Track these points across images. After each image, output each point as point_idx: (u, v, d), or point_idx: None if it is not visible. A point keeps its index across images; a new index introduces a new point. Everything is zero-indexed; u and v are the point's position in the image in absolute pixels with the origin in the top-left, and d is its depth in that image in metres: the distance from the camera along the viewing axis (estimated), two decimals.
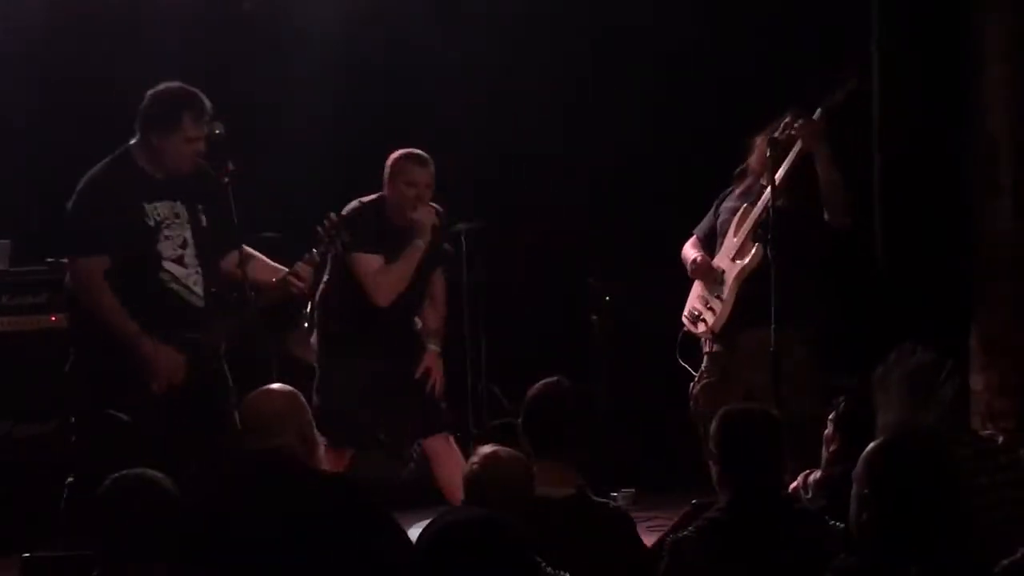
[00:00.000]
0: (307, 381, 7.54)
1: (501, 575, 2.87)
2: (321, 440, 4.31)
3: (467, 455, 7.56)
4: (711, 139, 6.61)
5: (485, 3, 7.90)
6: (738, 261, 6.17)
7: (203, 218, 5.55)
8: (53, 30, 7.48)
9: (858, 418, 4.48)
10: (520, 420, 4.50)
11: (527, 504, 3.87)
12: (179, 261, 5.48)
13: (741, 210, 6.19)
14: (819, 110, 6.02)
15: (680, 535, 4.02)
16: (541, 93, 7.91)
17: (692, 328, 6.34)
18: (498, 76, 7.92)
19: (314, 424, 4.23)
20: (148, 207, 5.43)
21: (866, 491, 3.31)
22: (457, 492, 5.85)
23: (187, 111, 5.44)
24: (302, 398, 4.26)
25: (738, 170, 6.31)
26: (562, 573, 3.68)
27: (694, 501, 4.81)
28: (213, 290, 5.59)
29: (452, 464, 6.22)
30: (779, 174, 5.97)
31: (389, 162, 6.17)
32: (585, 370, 6.93)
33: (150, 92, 5.52)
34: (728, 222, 6.27)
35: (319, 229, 5.82)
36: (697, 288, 6.36)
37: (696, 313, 6.33)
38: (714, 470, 4.11)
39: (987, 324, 6.65)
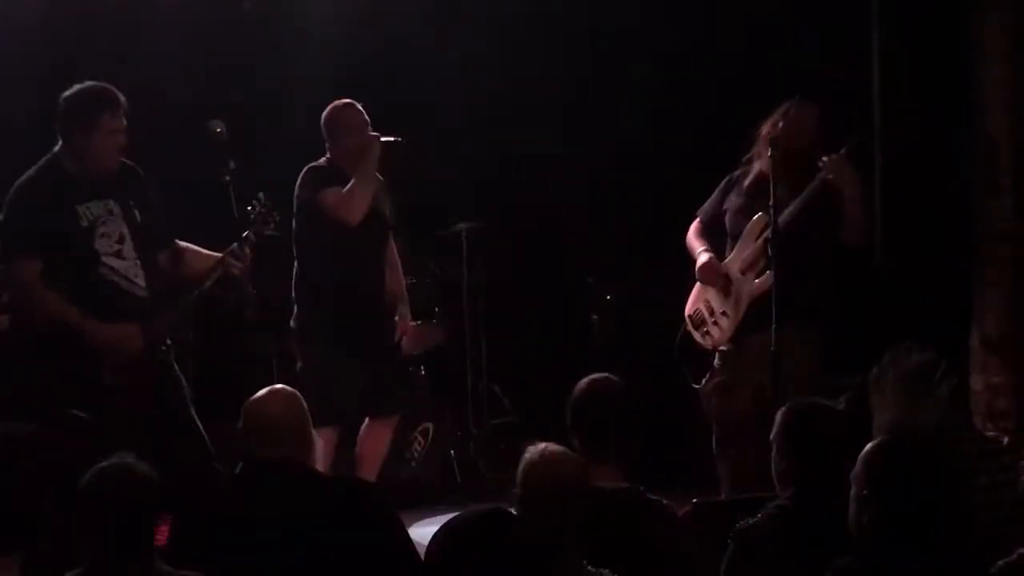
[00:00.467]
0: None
1: (510, 571, 2.88)
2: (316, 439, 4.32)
3: (467, 453, 7.65)
4: (711, 138, 6.61)
5: (485, 3, 7.90)
6: (749, 277, 6.10)
7: (137, 214, 5.56)
8: (53, 30, 7.47)
9: (858, 418, 4.48)
10: (568, 418, 4.44)
11: (583, 501, 3.76)
12: (118, 255, 5.48)
13: (756, 219, 6.10)
14: (844, 149, 5.97)
15: (748, 523, 4.01)
16: (541, 93, 7.92)
17: (695, 336, 6.30)
18: (498, 76, 7.93)
19: (311, 423, 4.22)
20: (80, 208, 5.44)
21: (865, 492, 3.31)
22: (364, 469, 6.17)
23: (102, 106, 5.46)
24: (302, 399, 4.26)
25: (745, 158, 6.25)
26: (604, 571, 3.67)
27: (695, 500, 4.82)
28: (155, 281, 5.59)
29: (377, 446, 6.33)
30: (792, 208, 5.94)
31: (322, 123, 6.33)
32: (585, 369, 6.90)
33: (63, 96, 5.54)
34: (739, 224, 6.19)
35: (249, 209, 5.83)
36: (703, 290, 6.30)
37: (700, 319, 6.29)
38: (778, 463, 4.11)
39: (987, 324, 6.64)
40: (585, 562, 3.64)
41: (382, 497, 4.28)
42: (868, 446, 3.40)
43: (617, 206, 7.95)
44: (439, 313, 7.68)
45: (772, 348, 5.76)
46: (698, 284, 6.32)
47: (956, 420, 4.38)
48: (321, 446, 5.89)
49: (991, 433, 5.41)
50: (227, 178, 5.69)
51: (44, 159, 5.53)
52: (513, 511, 3.07)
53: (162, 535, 3.87)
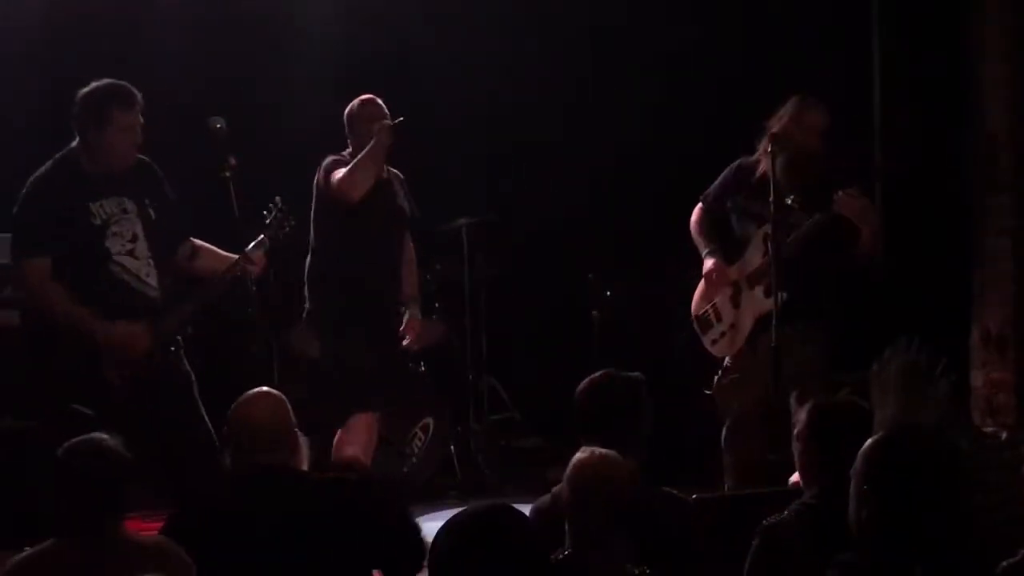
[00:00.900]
0: (306, 376, 7.58)
1: (512, 567, 2.88)
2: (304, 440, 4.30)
3: (467, 449, 7.65)
4: (711, 134, 6.62)
5: (485, 2, 7.91)
6: (758, 292, 6.03)
7: (151, 212, 5.56)
8: (53, 29, 7.48)
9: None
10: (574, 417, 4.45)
11: (632, 503, 3.76)
12: (130, 254, 5.49)
13: (768, 232, 5.97)
14: (862, 186, 5.92)
15: (774, 520, 4.00)
16: (541, 90, 7.92)
17: (704, 340, 6.26)
18: (499, 73, 7.93)
19: (295, 428, 4.21)
20: (93, 206, 5.44)
21: (865, 487, 3.31)
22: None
23: (115, 102, 5.46)
24: (286, 401, 4.24)
25: (755, 157, 6.20)
26: (645, 569, 3.67)
27: (695, 496, 4.81)
28: (168, 280, 5.60)
29: (361, 443, 6.29)
30: (799, 235, 5.90)
31: (345, 118, 6.35)
32: (585, 365, 6.91)
33: (79, 93, 5.54)
34: (746, 228, 6.12)
35: (265, 213, 5.86)
36: (711, 292, 6.24)
37: (707, 322, 6.25)
38: (803, 461, 4.12)
39: (987, 321, 6.65)
40: (629, 564, 3.64)
41: (382, 490, 4.27)
42: (868, 442, 3.40)
43: (617, 202, 7.95)
44: (439, 309, 7.68)
45: (772, 344, 5.76)
46: (704, 288, 6.29)
47: (955, 416, 4.38)
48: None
49: (989, 429, 5.42)
50: (227, 174, 5.70)
51: (60, 154, 5.54)
52: (515, 507, 3.07)
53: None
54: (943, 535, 3.25)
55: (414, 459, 7.35)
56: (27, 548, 3.78)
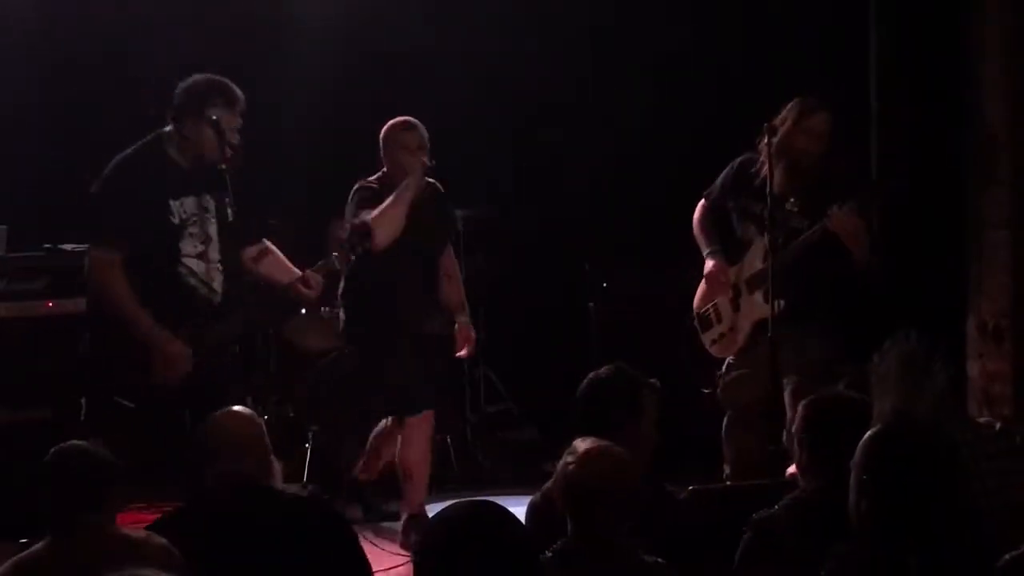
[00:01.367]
0: (303, 367, 7.58)
1: (501, 565, 2.88)
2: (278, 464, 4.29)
3: (463, 440, 7.65)
4: (709, 129, 6.61)
5: (484, 1, 7.90)
6: (757, 297, 6.04)
7: (229, 212, 5.53)
8: (52, 20, 7.46)
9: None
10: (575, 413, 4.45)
11: (632, 497, 3.69)
12: (200, 256, 5.47)
13: (761, 243, 6.01)
14: (860, 200, 5.85)
15: (765, 514, 4.00)
16: (540, 85, 7.91)
17: (704, 339, 6.26)
18: (498, 68, 7.92)
19: (270, 448, 4.22)
20: (174, 204, 5.41)
21: (864, 478, 3.31)
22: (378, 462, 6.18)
23: (216, 100, 5.44)
24: (260, 421, 4.25)
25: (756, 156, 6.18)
26: (658, 560, 3.66)
27: (691, 487, 4.82)
28: (231, 284, 5.60)
29: (424, 440, 6.21)
30: (794, 247, 5.89)
31: (381, 136, 6.24)
32: (582, 357, 6.92)
33: (182, 83, 5.50)
34: (746, 230, 6.12)
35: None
36: (712, 292, 6.25)
37: (708, 322, 6.25)
38: (798, 455, 4.12)
39: (984, 311, 6.65)
40: (641, 552, 3.63)
41: (331, 511, 4.30)
42: (867, 434, 3.40)
43: (615, 195, 7.95)
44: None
45: (769, 335, 5.76)
46: (706, 288, 6.28)
47: (953, 408, 4.39)
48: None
49: (983, 419, 5.42)
50: (223, 167, 5.68)
51: (149, 138, 5.49)
52: (499, 504, 3.07)
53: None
54: (941, 525, 3.26)
55: None
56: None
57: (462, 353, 6.42)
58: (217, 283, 5.52)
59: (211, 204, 5.51)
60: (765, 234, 5.95)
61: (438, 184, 6.31)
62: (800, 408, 4.18)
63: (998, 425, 4.58)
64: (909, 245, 6.99)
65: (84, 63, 7.44)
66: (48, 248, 6.70)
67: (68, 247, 6.67)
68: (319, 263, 5.85)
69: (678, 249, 6.44)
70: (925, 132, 6.87)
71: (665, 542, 3.87)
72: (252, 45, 7.76)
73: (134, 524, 4.24)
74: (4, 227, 6.83)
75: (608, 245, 7.91)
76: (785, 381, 5.85)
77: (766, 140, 5.89)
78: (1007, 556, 3.25)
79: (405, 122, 6.22)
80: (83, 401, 5.63)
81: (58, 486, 3.77)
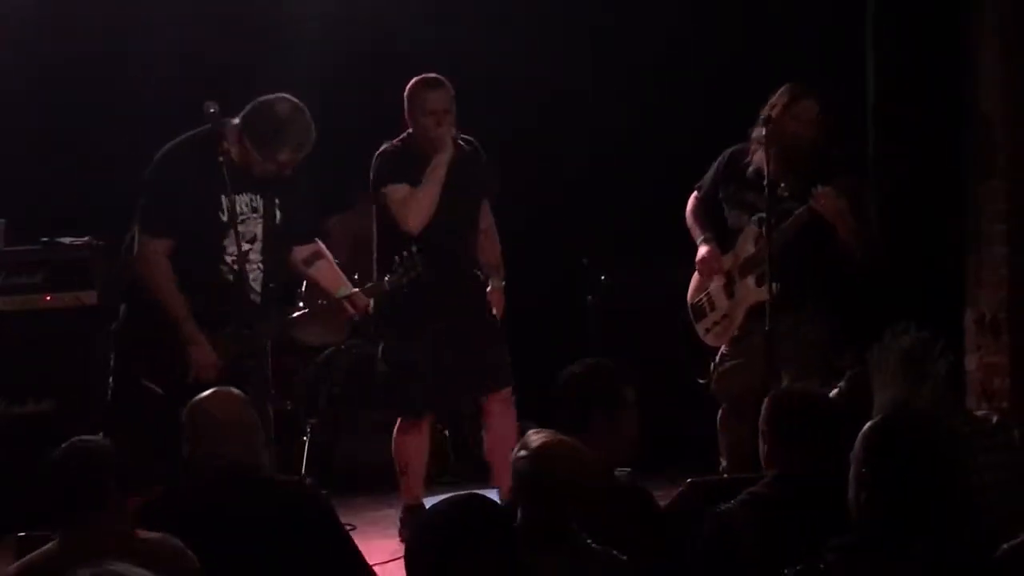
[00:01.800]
0: (301, 361, 7.58)
1: (489, 558, 2.88)
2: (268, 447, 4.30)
3: (460, 433, 7.64)
4: (705, 121, 6.60)
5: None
6: (749, 282, 6.06)
7: (278, 213, 5.52)
8: (51, 15, 7.45)
9: (857, 400, 4.49)
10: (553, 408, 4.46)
11: (586, 491, 3.73)
12: (244, 256, 5.43)
13: (752, 228, 6.06)
14: (836, 183, 5.89)
15: (723, 508, 4.02)
16: (538, 77, 7.90)
17: (698, 328, 6.28)
18: (495, 61, 7.91)
19: (261, 430, 4.21)
20: (225, 200, 5.36)
21: (864, 470, 3.32)
22: (498, 458, 5.87)
23: (289, 143, 5.40)
24: (245, 404, 4.23)
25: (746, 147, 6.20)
26: (610, 550, 3.67)
27: (689, 480, 4.83)
28: (272, 285, 5.57)
29: (504, 427, 6.07)
30: (783, 229, 5.90)
31: (405, 94, 6.01)
32: (580, 350, 6.91)
33: (262, 100, 5.45)
34: (738, 219, 6.14)
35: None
36: (704, 280, 6.27)
37: (701, 311, 6.26)
38: (761, 448, 4.14)
39: (982, 304, 6.65)
40: (589, 540, 3.64)
41: (317, 497, 4.28)
42: (867, 425, 3.41)
43: (614, 189, 7.95)
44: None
45: (766, 327, 5.77)
46: (698, 278, 6.30)
47: (949, 400, 4.40)
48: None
49: (981, 412, 5.43)
50: (220, 159, 5.67)
51: (207, 128, 5.44)
52: (486, 495, 3.09)
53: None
54: (940, 518, 3.26)
55: None
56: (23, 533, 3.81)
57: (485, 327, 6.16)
58: (258, 284, 5.49)
59: (260, 204, 5.48)
60: (756, 217, 5.99)
61: (468, 141, 6.09)
62: (765, 401, 4.18)
63: (995, 418, 4.59)
64: (907, 239, 7.00)
65: (84, 58, 7.42)
66: (46, 242, 6.69)
67: (66, 240, 6.67)
68: (369, 284, 5.79)
69: (677, 243, 6.45)
70: (923, 127, 6.87)
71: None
72: (251, 42, 7.75)
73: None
74: (3, 220, 6.83)
75: (607, 239, 7.91)
76: (783, 373, 5.85)
77: (760, 128, 5.94)
78: (1005, 546, 3.26)
79: (428, 80, 5.99)
80: (110, 379, 5.58)
81: (61, 484, 3.71)
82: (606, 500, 3.90)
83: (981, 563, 3.25)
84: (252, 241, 5.47)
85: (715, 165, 6.27)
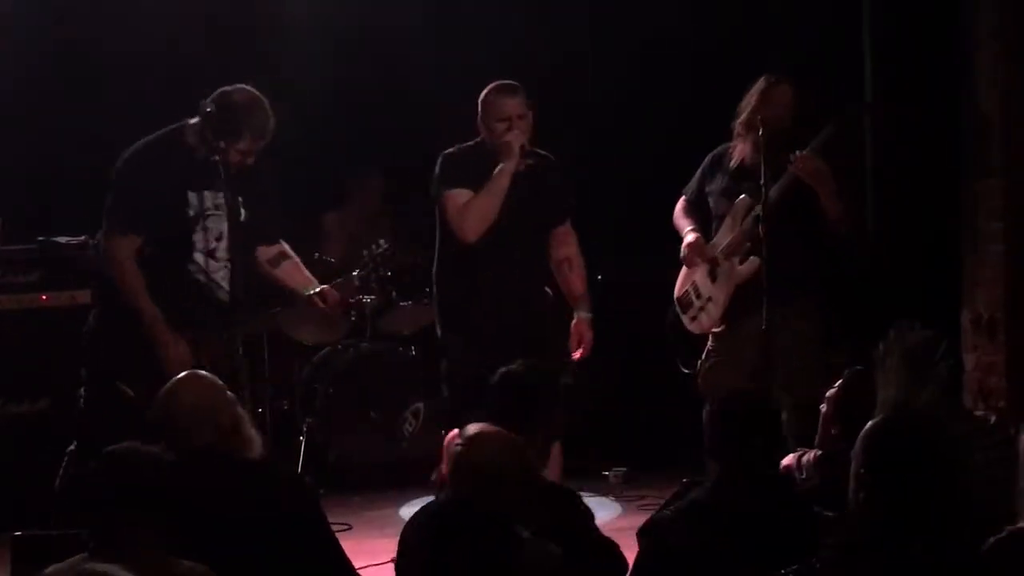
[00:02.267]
0: (298, 360, 7.58)
1: (478, 554, 2.89)
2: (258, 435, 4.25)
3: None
4: (704, 121, 6.59)
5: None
6: (734, 263, 6.09)
7: (243, 211, 5.51)
8: (47, 12, 7.44)
9: (859, 399, 4.49)
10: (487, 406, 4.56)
11: (520, 484, 3.80)
12: (211, 254, 5.44)
13: (740, 202, 6.08)
14: (820, 139, 5.91)
15: (659, 515, 4.06)
16: (536, 75, 7.88)
17: (685, 320, 6.30)
18: (495, 62, 7.90)
19: (236, 408, 4.18)
20: (191, 195, 5.38)
21: (863, 470, 3.32)
22: None
23: (249, 129, 5.40)
24: (218, 386, 4.21)
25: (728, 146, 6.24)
26: (548, 543, 3.68)
27: (684, 480, 4.83)
28: (240, 283, 5.56)
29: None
30: (769, 198, 5.91)
31: (479, 101, 5.81)
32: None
33: (221, 91, 5.45)
34: (723, 207, 6.17)
35: (365, 253, 5.77)
36: (690, 272, 6.30)
37: (687, 301, 6.28)
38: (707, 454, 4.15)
39: (978, 303, 6.65)
40: (525, 533, 3.66)
41: (292, 476, 4.26)
42: (868, 424, 3.41)
43: (605, 187, 7.94)
44: (429, 293, 7.64)
45: (763, 328, 5.77)
46: (685, 270, 6.31)
47: (949, 399, 4.40)
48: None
49: (980, 412, 5.43)
50: (216, 157, 5.67)
51: (172, 128, 5.46)
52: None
53: None
54: (939, 518, 3.27)
55: (404, 443, 7.36)
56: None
57: (576, 355, 5.86)
58: (226, 282, 5.48)
59: (223, 202, 5.47)
60: (737, 201, 6.04)
61: (544, 156, 5.90)
62: (708, 407, 4.19)
63: (993, 418, 4.60)
64: (904, 238, 7.01)
65: (80, 57, 7.42)
66: (42, 240, 6.68)
67: (62, 240, 6.66)
68: (338, 280, 5.73)
69: (673, 242, 6.45)
70: (921, 126, 6.87)
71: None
72: (249, 42, 7.75)
73: None
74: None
75: (600, 236, 7.91)
76: (777, 370, 5.83)
77: (738, 119, 6.05)
78: (991, 539, 3.27)
79: (503, 85, 5.76)
80: (83, 384, 5.57)
81: (101, 493, 3.53)
82: (536, 493, 3.95)
83: (979, 563, 3.25)
84: (219, 239, 5.47)
85: (700, 167, 6.32)
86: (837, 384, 4.65)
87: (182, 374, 4.28)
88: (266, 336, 7.04)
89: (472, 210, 5.65)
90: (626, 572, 4.11)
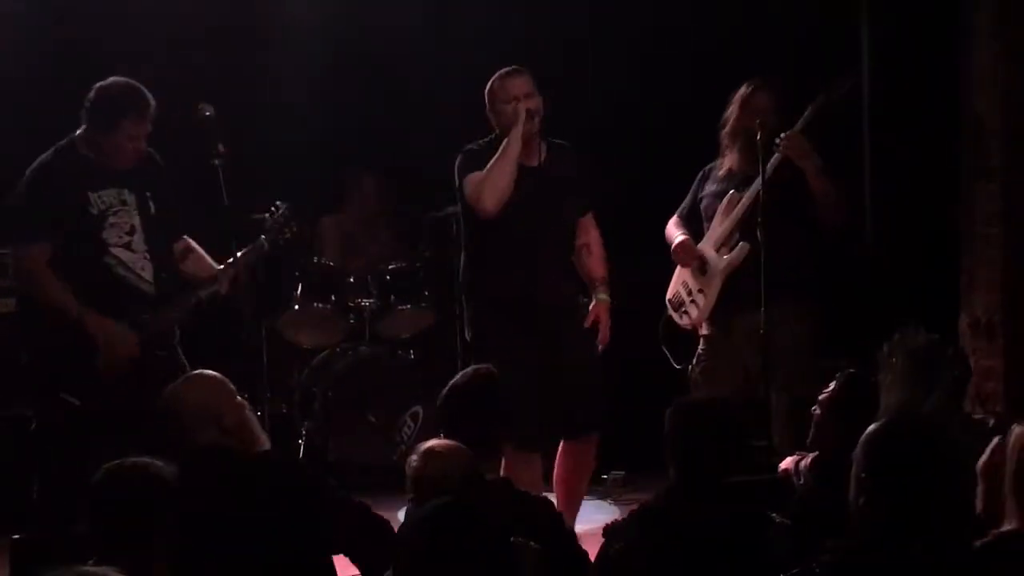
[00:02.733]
0: (296, 363, 7.59)
1: (477, 559, 2.90)
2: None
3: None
4: (702, 123, 6.60)
5: None
6: (723, 254, 6.14)
7: (152, 205, 5.56)
8: (46, 13, 7.44)
9: (848, 401, 4.50)
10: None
11: (465, 490, 3.98)
12: (127, 247, 5.49)
13: (728, 196, 6.16)
14: (805, 117, 6.00)
15: (615, 522, 4.11)
16: (532, 74, 7.88)
17: (675, 317, 6.34)
18: (495, 63, 7.91)
19: (243, 409, 4.21)
20: (92, 196, 5.43)
21: (864, 473, 3.33)
22: (561, 491, 5.75)
23: (129, 111, 5.44)
24: (221, 385, 4.23)
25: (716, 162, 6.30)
26: (530, 543, 3.70)
27: None
28: (163, 275, 5.59)
29: (575, 470, 5.83)
30: (756, 184, 5.95)
31: (486, 91, 5.81)
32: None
33: (96, 86, 5.51)
34: (712, 207, 6.24)
35: (267, 216, 5.82)
36: (680, 273, 6.34)
37: (678, 300, 6.32)
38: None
39: (976, 307, 6.65)
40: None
41: (309, 474, 4.24)
42: (869, 428, 3.42)
43: (604, 187, 7.94)
44: (428, 297, 7.68)
45: (761, 331, 5.78)
46: (677, 269, 6.36)
47: (954, 402, 4.42)
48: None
49: (978, 416, 5.44)
50: (217, 162, 5.69)
51: (62, 142, 5.52)
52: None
53: None
54: (938, 521, 3.27)
55: (404, 447, 7.36)
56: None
57: (600, 344, 5.82)
58: (147, 273, 5.52)
59: (130, 198, 5.51)
60: (725, 198, 6.12)
61: (561, 145, 5.89)
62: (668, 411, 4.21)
63: (992, 422, 4.61)
64: (902, 241, 7.01)
65: (81, 55, 7.42)
66: None
67: None
68: (246, 248, 5.71)
69: (664, 242, 6.48)
70: (918, 129, 6.88)
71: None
72: (247, 44, 7.76)
73: None
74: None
75: (601, 236, 7.91)
76: (769, 374, 5.83)
77: (723, 128, 6.18)
78: (977, 543, 3.28)
79: (506, 70, 5.76)
80: (30, 406, 5.63)
81: (110, 516, 3.54)
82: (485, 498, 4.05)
83: (978, 566, 3.26)
84: (132, 232, 5.50)
85: (692, 186, 6.41)
86: (831, 387, 4.65)
87: (190, 373, 4.30)
88: (265, 339, 7.06)
89: (486, 181, 5.62)
90: None
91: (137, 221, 5.51)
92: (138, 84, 5.51)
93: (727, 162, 6.23)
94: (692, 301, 6.26)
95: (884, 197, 7.09)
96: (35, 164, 5.50)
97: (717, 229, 6.19)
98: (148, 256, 5.53)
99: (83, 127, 5.51)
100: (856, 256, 7.12)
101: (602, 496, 7.05)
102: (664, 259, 6.44)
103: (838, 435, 4.38)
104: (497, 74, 5.78)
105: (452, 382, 4.74)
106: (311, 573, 4.04)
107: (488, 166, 5.63)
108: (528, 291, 5.68)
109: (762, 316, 5.78)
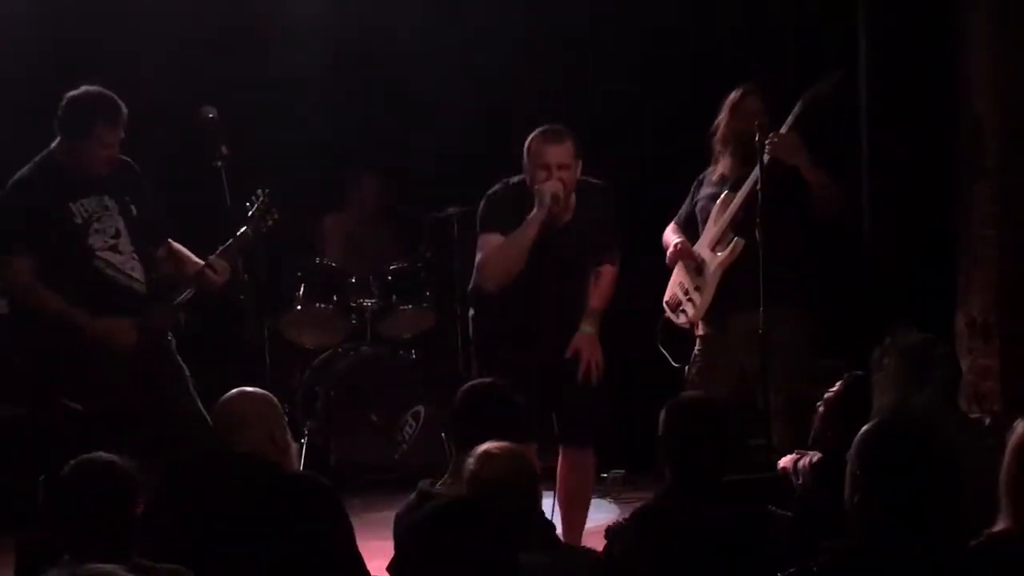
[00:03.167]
0: (298, 363, 7.61)
1: (479, 558, 2.92)
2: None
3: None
4: (695, 120, 6.62)
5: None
6: (718, 252, 6.16)
7: (133, 208, 5.57)
8: (46, 13, 7.45)
9: (852, 401, 4.52)
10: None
11: (530, 497, 3.91)
12: (113, 249, 5.51)
13: (721, 197, 6.18)
14: (793, 114, 6.04)
15: (616, 522, 4.09)
16: (530, 81, 7.92)
17: (672, 318, 6.37)
18: (494, 64, 7.93)
19: (287, 428, 4.27)
20: (74, 206, 5.46)
21: (858, 472, 3.35)
22: (564, 511, 5.68)
23: (100, 119, 5.44)
24: (276, 403, 4.31)
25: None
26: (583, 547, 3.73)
27: None
28: (154, 275, 5.62)
29: (570, 483, 5.79)
30: (749, 183, 5.99)
31: (526, 143, 5.67)
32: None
33: (66, 95, 5.51)
34: (707, 209, 6.26)
35: (248, 205, 5.82)
36: (677, 274, 6.37)
37: (676, 301, 6.35)
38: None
39: (973, 307, 6.67)
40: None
41: (327, 493, 4.26)
42: (864, 427, 3.44)
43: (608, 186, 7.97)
44: (429, 297, 7.71)
45: (760, 331, 5.80)
46: (674, 271, 6.38)
47: (948, 401, 4.43)
48: None
49: (975, 415, 5.46)
50: (219, 164, 5.71)
51: (40, 156, 5.54)
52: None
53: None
54: (933, 519, 3.29)
55: (405, 446, 7.38)
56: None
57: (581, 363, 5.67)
58: (137, 272, 5.55)
59: (110, 202, 5.53)
60: (719, 199, 6.14)
61: (597, 185, 5.78)
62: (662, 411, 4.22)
63: (988, 421, 4.62)
64: (898, 241, 7.02)
65: (82, 55, 7.44)
66: None
67: None
68: (232, 239, 5.71)
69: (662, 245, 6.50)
70: (915, 129, 6.89)
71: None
72: (247, 46, 7.77)
73: None
74: None
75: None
76: (767, 376, 5.85)
77: (714, 136, 6.23)
78: (972, 543, 3.30)
79: (549, 132, 5.61)
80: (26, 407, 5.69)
81: (77, 507, 3.59)
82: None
83: (974, 565, 3.28)
84: (117, 236, 5.52)
85: (689, 193, 6.44)
86: (836, 386, 4.67)
87: (240, 389, 4.31)
88: (267, 340, 7.08)
89: (495, 260, 5.59)
90: None
91: (121, 224, 5.53)
92: (109, 92, 5.51)
93: (720, 167, 6.28)
94: (689, 299, 6.29)
95: (882, 197, 7.11)
96: (13, 180, 5.52)
97: (712, 229, 6.22)
98: (136, 256, 5.56)
99: (57, 139, 5.51)
100: (854, 256, 7.13)
101: (602, 495, 7.06)
102: (664, 259, 6.46)
103: (839, 435, 4.39)
104: (540, 132, 5.63)
105: (455, 405, 4.68)
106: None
107: (504, 243, 5.56)
108: (533, 332, 5.65)
109: (761, 316, 5.80)
